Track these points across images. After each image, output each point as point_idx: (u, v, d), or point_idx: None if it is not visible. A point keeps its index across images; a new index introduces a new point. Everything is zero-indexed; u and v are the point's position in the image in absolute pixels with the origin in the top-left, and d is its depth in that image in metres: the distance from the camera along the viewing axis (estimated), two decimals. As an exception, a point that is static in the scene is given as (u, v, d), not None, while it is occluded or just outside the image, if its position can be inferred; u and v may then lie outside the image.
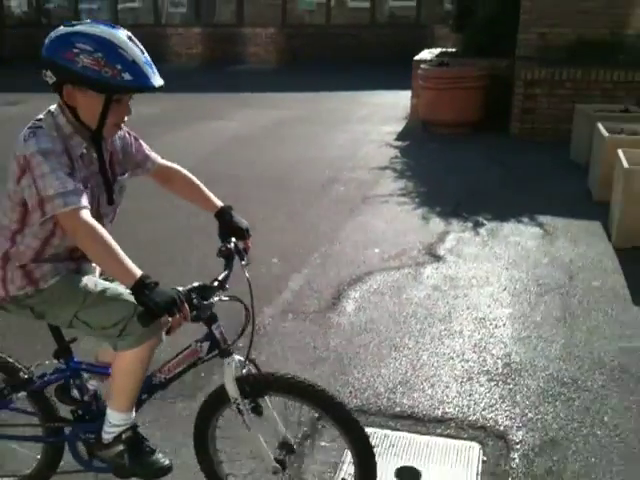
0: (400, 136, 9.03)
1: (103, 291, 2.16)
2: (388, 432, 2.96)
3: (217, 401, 2.28)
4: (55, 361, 2.34)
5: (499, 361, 3.54)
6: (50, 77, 1.99)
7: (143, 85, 1.98)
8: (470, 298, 4.28)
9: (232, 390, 2.17)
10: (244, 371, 2.18)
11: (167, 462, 2.31)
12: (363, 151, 8.18)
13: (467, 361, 3.53)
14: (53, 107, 2.08)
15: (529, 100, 8.67)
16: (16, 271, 2.12)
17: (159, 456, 2.31)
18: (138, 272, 1.84)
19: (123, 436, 2.24)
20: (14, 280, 2.13)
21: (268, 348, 3.70)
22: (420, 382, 3.34)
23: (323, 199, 6.32)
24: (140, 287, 1.80)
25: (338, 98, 12.18)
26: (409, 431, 2.97)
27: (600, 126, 6.15)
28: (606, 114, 6.95)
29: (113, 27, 1.98)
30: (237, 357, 2.17)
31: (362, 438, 2.17)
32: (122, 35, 1.97)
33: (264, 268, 4.69)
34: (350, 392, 3.27)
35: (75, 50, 1.91)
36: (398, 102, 11.42)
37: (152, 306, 1.78)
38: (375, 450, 2.22)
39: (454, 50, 11.06)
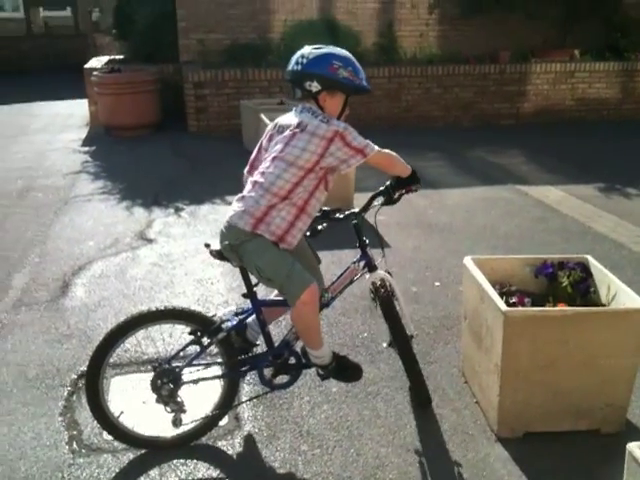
0: (85, 142, 9.28)
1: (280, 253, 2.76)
2: (143, 375, 3.52)
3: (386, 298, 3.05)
4: (229, 308, 2.99)
5: (220, 307, 4.31)
6: (315, 86, 2.69)
7: (368, 90, 2.79)
8: (186, 267, 4.98)
9: (393, 284, 3.06)
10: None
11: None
12: (51, 159, 8.30)
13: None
14: (305, 106, 2.75)
15: (200, 100, 9.60)
16: (278, 219, 2.68)
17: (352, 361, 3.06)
18: (409, 167, 2.92)
19: (331, 364, 2.93)
20: (269, 227, 2.67)
21: (11, 338, 3.93)
22: (158, 335, 3.91)
23: (23, 206, 6.42)
24: (414, 173, 2.93)
25: (3, 111, 11.77)
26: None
27: (263, 116, 7.28)
28: (267, 107, 8.16)
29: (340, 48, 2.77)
30: (380, 271, 3.04)
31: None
32: (348, 53, 2.75)
33: (-18, 274, 4.79)
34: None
35: (335, 66, 2.66)
36: (73, 111, 11.56)
37: (418, 175, 2.97)
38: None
39: (122, 57, 11.54)
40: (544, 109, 10.56)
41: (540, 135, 9.80)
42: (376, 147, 2.78)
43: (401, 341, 3.12)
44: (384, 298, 3.06)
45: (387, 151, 2.86)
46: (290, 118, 2.78)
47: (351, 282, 3.06)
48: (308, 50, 2.73)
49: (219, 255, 2.83)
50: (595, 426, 3.07)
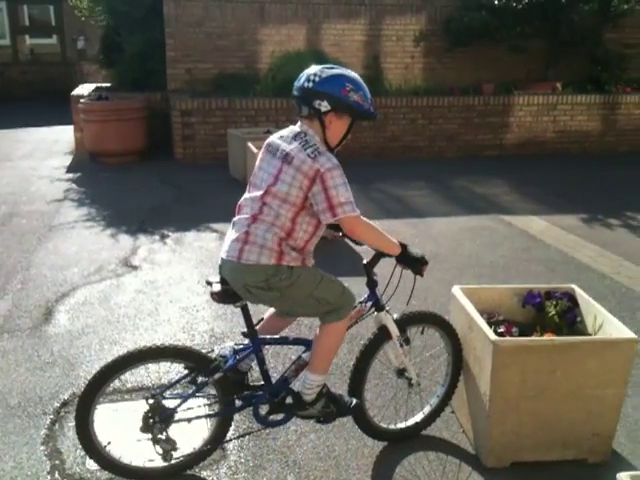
0: (70, 169, 9.25)
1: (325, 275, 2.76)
2: (131, 403, 3.47)
3: (378, 341, 3.01)
4: (227, 344, 2.88)
5: (205, 334, 4.28)
6: (325, 106, 2.60)
7: (375, 115, 2.73)
8: (171, 294, 4.94)
9: (394, 329, 2.98)
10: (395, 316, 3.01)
11: (354, 400, 2.96)
12: (36, 185, 8.26)
13: (179, 340, 4.19)
14: (301, 129, 2.68)
15: (187, 128, 9.64)
16: (291, 250, 2.63)
17: (346, 398, 2.96)
18: (398, 243, 2.77)
19: (324, 390, 2.86)
20: (290, 254, 2.63)
21: (-8, 365, 3.88)
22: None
23: (6, 232, 6.36)
24: (405, 251, 2.77)
25: (-11, 137, 11.74)
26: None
27: (250, 145, 7.31)
28: (254, 135, 8.20)
29: (350, 71, 2.69)
30: (383, 316, 2.96)
31: (456, 335, 3.19)
32: (360, 78, 2.68)
33: (-37, 300, 4.72)
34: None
35: (347, 88, 2.60)
36: (59, 137, 11.55)
37: (420, 258, 2.82)
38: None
39: (109, 85, 11.59)
40: (527, 140, 10.71)
41: (523, 166, 9.92)
42: (357, 211, 2.60)
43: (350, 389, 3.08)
44: (368, 344, 3.03)
45: (369, 223, 2.69)
46: (282, 141, 2.70)
47: (356, 322, 2.99)
48: (321, 68, 2.64)
49: (222, 298, 2.73)
50: (582, 456, 3.06)
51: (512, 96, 10.58)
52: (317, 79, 2.61)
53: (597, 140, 10.98)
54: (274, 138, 2.77)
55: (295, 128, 2.72)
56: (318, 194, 2.56)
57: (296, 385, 2.93)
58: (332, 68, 2.67)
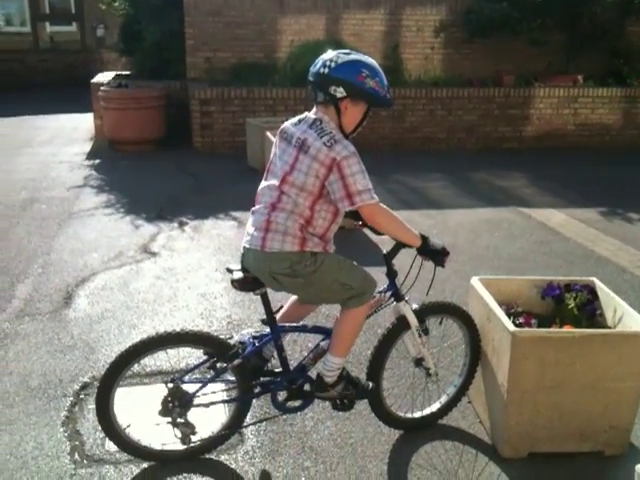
0: (90, 156, 9.31)
1: (347, 261, 2.78)
2: (151, 387, 3.51)
3: (397, 331, 3.01)
4: (247, 331, 2.91)
5: (223, 321, 4.31)
6: (341, 92, 2.56)
7: (391, 103, 2.69)
8: (189, 281, 4.98)
9: (413, 319, 2.96)
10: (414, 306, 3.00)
11: (372, 384, 2.98)
12: (55, 172, 8.32)
13: (197, 326, 4.21)
14: (316, 116, 2.64)
15: (206, 117, 9.66)
16: (312, 237, 2.64)
17: (364, 381, 2.98)
18: (418, 234, 2.75)
19: (344, 373, 2.90)
20: (312, 240, 2.63)
21: (13, 347, 3.93)
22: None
23: (27, 218, 6.42)
24: (425, 243, 2.75)
25: (8, 123, 11.82)
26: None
27: (269, 134, 7.32)
28: (272, 125, 8.19)
29: (368, 57, 2.65)
30: (402, 306, 2.96)
31: (475, 326, 3.19)
32: (376, 64, 2.63)
33: (-15, 284, 4.79)
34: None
35: (363, 74, 2.55)
36: (79, 124, 11.61)
37: (441, 250, 2.80)
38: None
39: (128, 73, 11.63)
40: (547, 133, 10.62)
41: (543, 159, 9.85)
42: (376, 198, 2.59)
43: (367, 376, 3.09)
44: (387, 333, 3.04)
45: (389, 211, 2.68)
46: (297, 128, 2.68)
47: (375, 312, 3.00)
48: (337, 54, 2.59)
49: (242, 285, 2.74)
50: (599, 448, 3.06)
51: (533, 88, 10.49)
52: (333, 65, 2.57)
53: (618, 134, 10.86)
54: (288, 124, 2.75)
55: (310, 115, 2.70)
56: (335, 182, 2.55)
57: (317, 369, 2.94)
58: (348, 54, 2.62)
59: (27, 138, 10.51)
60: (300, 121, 2.71)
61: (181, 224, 6.33)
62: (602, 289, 3.31)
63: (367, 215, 2.63)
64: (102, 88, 9.67)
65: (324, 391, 2.90)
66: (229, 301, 4.61)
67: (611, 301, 3.20)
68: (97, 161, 9.02)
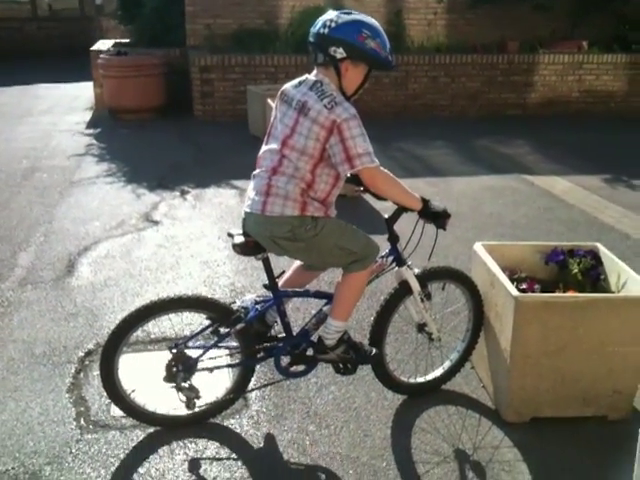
0: (90, 125, 9.25)
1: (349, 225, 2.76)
2: (155, 353, 3.52)
3: (399, 296, 2.99)
4: (249, 296, 2.88)
5: (226, 289, 4.31)
6: (340, 53, 2.50)
7: (393, 65, 2.63)
8: (192, 249, 4.97)
9: (415, 284, 2.95)
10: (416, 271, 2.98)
11: (374, 350, 2.93)
12: (56, 141, 8.27)
13: (201, 293, 4.21)
14: (317, 78, 2.60)
15: (206, 85, 9.56)
16: (313, 201, 2.61)
17: (367, 347, 2.95)
18: (419, 197, 2.72)
19: (345, 337, 2.88)
20: (313, 204, 2.61)
21: (17, 315, 3.93)
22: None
23: (28, 187, 6.40)
24: (426, 205, 2.72)
25: (8, 92, 11.73)
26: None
27: (270, 102, 7.24)
28: (274, 92, 8.07)
29: (369, 17, 2.59)
30: (404, 271, 2.94)
31: (478, 291, 3.18)
32: (378, 24, 2.58)
33: (-13, 253, 4.79)
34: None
35: (364, 35, 2.50)
36: (79, 93, 11.52)
37: (442, 212, 2.77)
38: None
39: (128, 41, 11.49)
40: (551, 100, 10.51)
41: (547, 126, 9.76)
42: (376, 161, 2.55)
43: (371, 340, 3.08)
44: (389, 298, 3.03)
45: (390, 175, 2.66)
46: (297, 91, 2.63)
47: (377, 277, 3.00)
48: (337, 14, 2.55)
49: (244, 250, 2.72)
50: (602, 412, 3.07)
51: (537, 54, 10.36)
52: (333, 25, 2.52)
53: (623, 101, 10.75)
54: (289, 87, 2.71)
55: (311, 77, 2.65)
56: (335, 145, 2.51)
57: (319, 333, 2.95)
58: (349, 14, 2.58)
59: (27, 107, 10.44)
60: (300, 83, 2.67)
61: (183, 192, 6.30)
62: (606, 254, 3.29)
63: (367, 179, 2.60)
64: (101, 56, 9.57)
65: (324, 353, 2.91)
66: (232, 269, 4.61)
67: (615, 266, 3.19)
68: (98, 130, 8.96)
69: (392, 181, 2.67)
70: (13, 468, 2.68)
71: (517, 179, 6.98)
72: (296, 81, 2.71)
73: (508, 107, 10.44)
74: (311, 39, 2.60)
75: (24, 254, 4.82)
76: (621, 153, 8.23)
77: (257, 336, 2.90)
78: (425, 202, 2.77)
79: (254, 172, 2.74)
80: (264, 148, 2.73)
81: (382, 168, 2.62)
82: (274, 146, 2.65)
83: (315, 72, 2.65)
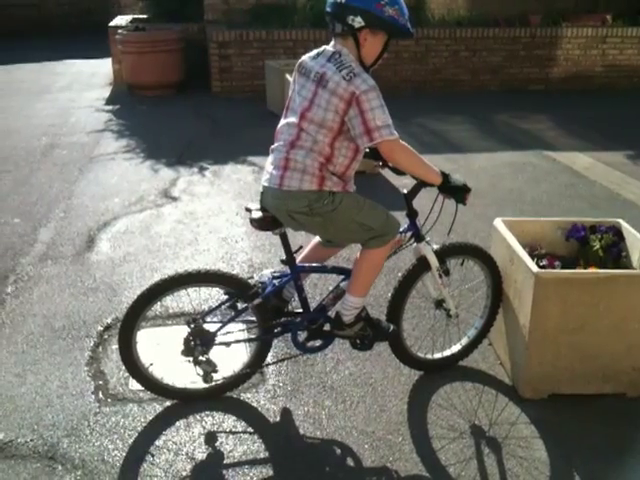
0: (109, 101, 9.25)
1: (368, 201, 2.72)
2: (173, 327, 3.54)
3: (417, 272, 2.98)
4: (267, 271, 2.88)
5: (244, 264, 4.32)
6: (359, 22, 2.45)
7: (412, 33, 2.57)
8: (210, 225, 4.97)
9: (434, 260, 2.93)
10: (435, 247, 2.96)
11: (392, 326, 2.94)
12: (75, 117, 8.29)
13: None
14: (335, 48, 2.55)
15: (224, 60, 9.51)
16: (331, 176, 2.59)
17: (384, 323, 2.95)
18: (439, 171, 2.69)
19: (362, 314, 2.87)
20: (331, 179, 2.59)
21: (37, 290, 3.97)
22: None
23: (48, 163, 6.43)
24: (446, 180, 2.68)
25: (27, 69, 11.76)
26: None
27: (289, 77, 7.19)
28: (292, 67, 8.00)
29: None
30: (423, 246, 2.93)
31: (497, 268, 3.15)
32: None
33: (8, 229, 4.83)
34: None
35: (382, 2, 2.43)
36: (97, 69, 11.52)
37: (462, 186, 2.73)
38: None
39: (146, 16, 11.44)
40: (574, 75, 10.32)
41: (569, 101, 9.60)
42: (395, 134, 2.51)
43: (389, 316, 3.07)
44: (407, 274, 3.00)
45: (409, 148, 2.61)
46: (315, 62, 2.59)
47: (395, 252, 2.97)
48: None
49: (261, 224, 2.72)
50: (621, 390, 3.04)
51: (560, 28, 10.15)
52: None
53: (647, 75, 10.53)
54: (306, 58, 2.67)
55: (329, 48, 2.61)
56: (354, 118, 2.48)
57: (336, 308, 2.94)
58: None
59: (46, 84, 10.46)
60: (318, 54, 2.63)
61: (201, 169, 6.29)
62: (628, 230, 3.24)
63: (386, 152, 2.56)
64: (119, 32, 9.53)
65: (341, 329, 2.90)
66: (250, 245, 4.61)
67: (637, 243, 3.14)
68: (116, 106, 8.96)
69: (411, 154, 2.63)
70: (32, 440, 2.72)
71: (538, 155, 6.89)
72: (314, 52, 2.67)
73: (530, 82, 10.27)
74: (328, 9, 2.55)
75: (44, 230, 4.86)
76: (645, 128, 8.08)
77: (274, 311, 2.90)
78: (445, 176, 2.73)
79: (272, 146, 2.72)
80: (282, 122, 2.70)
81: (401, 141, 2.58)
82: (292, 119, 2.62)
83: (333, 43, 2.61)
